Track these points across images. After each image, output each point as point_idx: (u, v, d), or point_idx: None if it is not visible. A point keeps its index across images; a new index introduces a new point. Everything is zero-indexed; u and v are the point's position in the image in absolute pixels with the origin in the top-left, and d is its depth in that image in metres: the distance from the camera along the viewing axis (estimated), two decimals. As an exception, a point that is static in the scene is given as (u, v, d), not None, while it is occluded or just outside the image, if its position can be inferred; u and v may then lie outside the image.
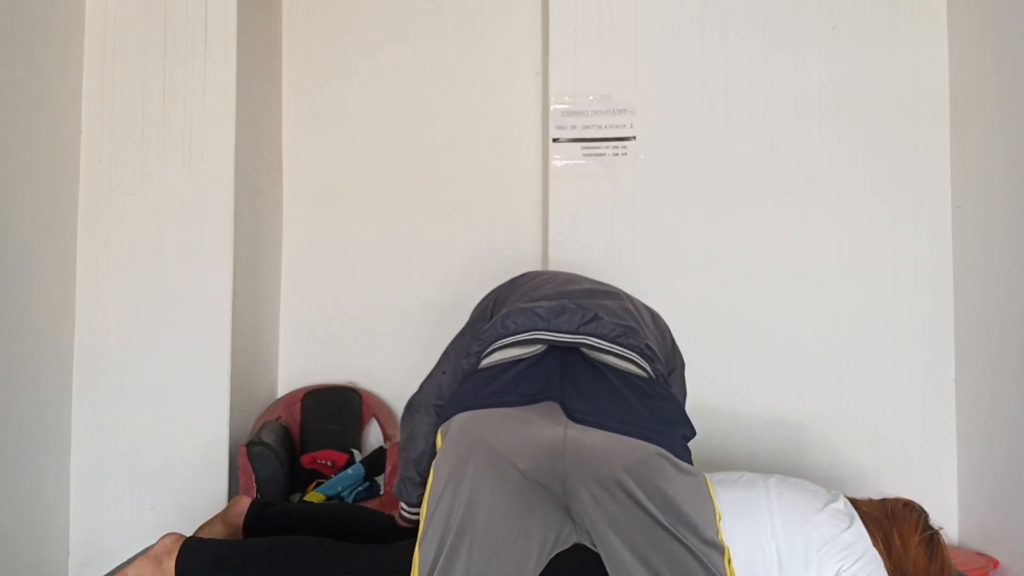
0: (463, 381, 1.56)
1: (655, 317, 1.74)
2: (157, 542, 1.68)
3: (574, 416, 1.38)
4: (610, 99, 2.89)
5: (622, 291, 1.76)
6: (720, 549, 1.41)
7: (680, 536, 1.36)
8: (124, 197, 2.71)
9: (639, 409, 1.41)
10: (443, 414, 1.52)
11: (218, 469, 2.68)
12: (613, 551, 1.38)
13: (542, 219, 3.09)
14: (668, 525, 1.36)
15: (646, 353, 1.50)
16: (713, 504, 1.46)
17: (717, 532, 1.42)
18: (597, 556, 1.42)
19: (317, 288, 3.22)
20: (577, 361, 1.46)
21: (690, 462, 1.44)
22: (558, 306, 1.52)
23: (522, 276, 1.86)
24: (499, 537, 1.37)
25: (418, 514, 1.51)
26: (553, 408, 1.39)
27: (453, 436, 1.44)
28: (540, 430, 1.38)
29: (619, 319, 1.54)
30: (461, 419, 1.44)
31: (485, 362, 1.51)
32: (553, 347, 1.48)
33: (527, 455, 1.38)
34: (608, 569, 1.40)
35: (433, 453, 1.52)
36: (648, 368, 1.49)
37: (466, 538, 1.36)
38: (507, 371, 1.46)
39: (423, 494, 1.50)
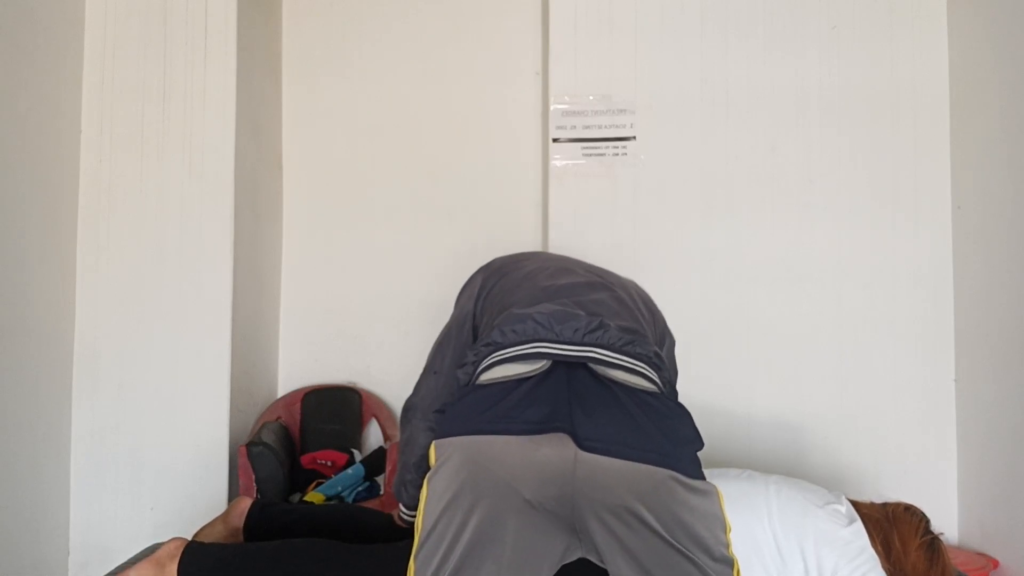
0: (461, 396, 1.48)
1: (646, 301, 1.71)
2: (161, 545, 1.68)
3: (584, 444, 1.33)
4: (610, 99, 2.89)
5: (613, 277, 1.73)
6: (730, 562, 1.38)
7: (693, 557, 1.33)
8: (124, 197, 2.71)
9: (651, 431, 1.37)
10: (439, 428, 1.47)
11: (218, 469, 2.68)
12: (624, 574, 1.35)
13: (542, 219, 3.09)
14: (681, 547, 1.32)
15: (654, 362, 1.46)
16: (724, 518, 1.42)
17: (727, 546, 1.39)
18: (602, 570, 1.39)
19: (317, 288, 3.22)
20: (584, 379, 1.40)
21: (701, 477, 1.41)
22: (560, 312, 1.46)
23: (508, 262, 1.80)
24: (510, 565, 1.32)
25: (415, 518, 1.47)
26: (562, 436, 1.34)
27: (452, 459, 1.38)
28: (548, 458, 1.33)
29: (622, 320, 1.50)
30: (463, 443, 1.38)
31: (484, 377, 1.43)
32: (558, 362, 1.42)
33: (534, 484, 1.33)
34: None
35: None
36: (657, 379, 1.44)
37: (469, 566, 1.32)
38: (511, 392, 1.39)
39: None
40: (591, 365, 1.42)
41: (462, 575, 1.32)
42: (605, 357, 1.42)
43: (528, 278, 1.68)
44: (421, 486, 1.44)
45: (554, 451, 1.34)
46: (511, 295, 1.64)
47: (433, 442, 1.44)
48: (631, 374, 1.42)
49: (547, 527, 1.37)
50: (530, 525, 1.35)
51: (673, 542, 1.32)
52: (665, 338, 1.72)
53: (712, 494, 1.41)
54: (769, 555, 1.59)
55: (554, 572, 1.38)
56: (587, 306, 1.52)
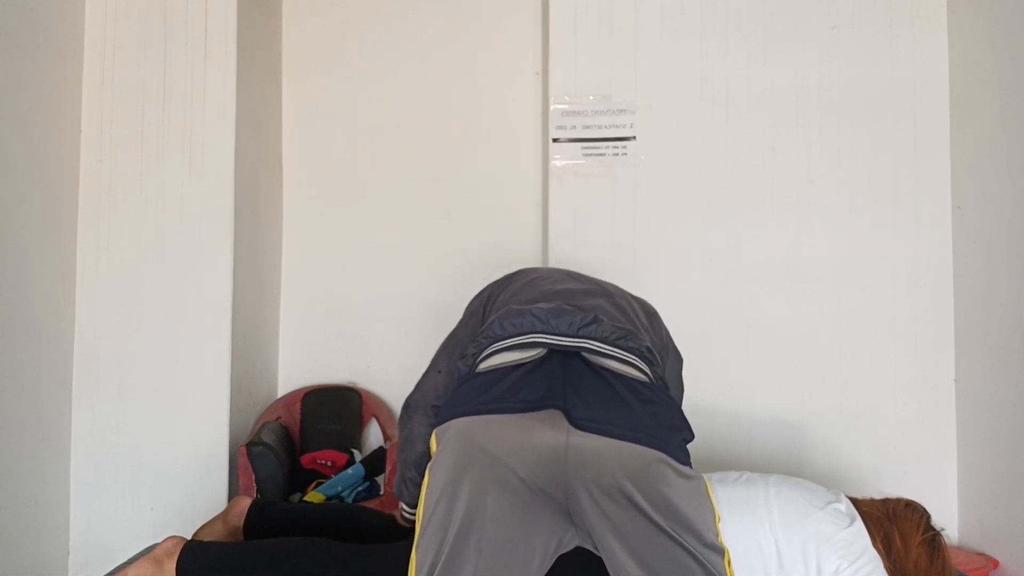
0: (460, 385, 1.53)
1: (650, 314, 1.73)
2: (158, 544, 1.68)
3: (577, 423, 1.37)
4: (610, 99, 2.89)
5: (617, 289, 1.75)
6: (720, 551, 1.40)
7: (682, 540, 1.35)
8: (124, 197, 2.71)
9: (641, 415, 1.40)
10: (439, 416, 1.51)
11: (218, 469, 2.68)
12: (615, 556, 1.37)
13: (542, 219, 3.09)
14: (669, 530, 1.35)
15: (646, 356, 1.50)
16: (712, 506, 1.46)
17: (717, 534, 1.42)
18: (599, 559, 1.41)
19: (317, 288, 3.22)
20: (578, 365, 1.45)
21: (689, 465, 1.44)
22: (556, 308, 1.51)
23: (517, 273, 1.84)
24: (501, 544, 1.35)
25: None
26: (555, 415, 1.38)
27: (451, 442, 1.42)
28: (542, 437, 1.37)
29: (617, 321, 1.53)
30: (459, 424, 1.43)
31: (483, 365, 1.49)
32: (553, 351, 1.47)
33: (528, 462, 1.37)
34: (611, 573, 1.40)
35: (431, 453, 1.50)
36: (648, 371, 1.49)
37: (468, 545, 1.34)
38: (507, 376, 1.44)
39: None
40: (585, 354, 1.47)
41: (460, 553, 1.34)
42: (598, 348, 1.47)
43: (531, 284, 1.72)
44: (421, 484, 1.46)
45: (548, 429, 1.38)
46: (514, 297, 1.67)
47: (434, 430, 1.48)
48: (623, 364, 1.47)
49: (542, 507, 1.39)
50: (524, 504, 1.37)
51: (662, 524, 1.35)
52: (668, 350, 1.74)
53: (700, 481, 1.45)
54: (771, 558, 1.58)
55: (549, 558, 1.40)
56: (584, 307, 1.55)
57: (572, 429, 1.37)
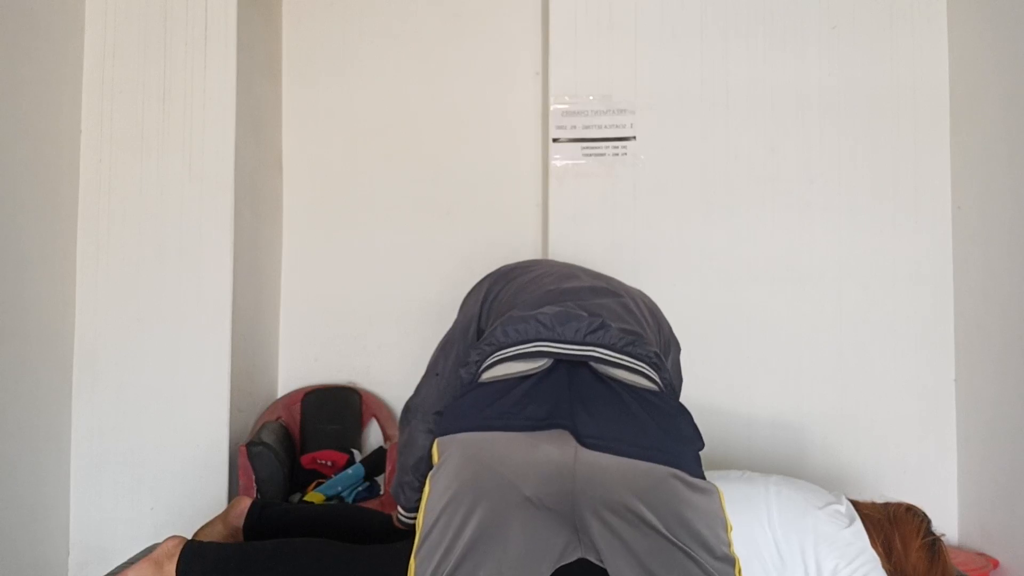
0: (463, 394, 1.49)
1: (652, 309, 1.71)
2: (158, 544, 1.68)
3: (585, 441, 1.33)
4: (610, 99, 2.89)
5: (620, 285, 1.73)
6: (731, 561, 1.37)
7: (694, 555, 1.32)
8: (124, 197, 2.71)
9: (652, 429, 1.37)
10: (441, 426, 1.47)
11: (218, 469, 2.68)
12: (622, 573, 1.34)
13: (542, 219, 3.09)
14: (682, 545, 1.32)
15: (654, 362, 1.46)
16: (725, 517, 1.42)
17: (729, 545, 1.39)
18: (603, 570, 1.38)
19: (317, 288, 3.22)
20: (586, 377, 1.41)
21: (702, 476, 1.41)
22: (562, 313, 1.47)
23: (515, 268, 1.81)
24: (505, 562, 1.32)
25: (415, 519, 1.46)
26: (563, 433, 1.35)
27: (455, 456, 1.39)
28: (548, 455, 1.34)
29: (624, 324, 1.51)
30: (464, 439, 1.39)
31: (487, 375, 1.45)
32: (559, 361, 1.43)
33: (534, 481, 1.33)
34: None
35: (431, 460, 1.47)
36: (658, 379, 1.45)
37: (471, 562, 1.31)
38: (512, 389, 1.40)
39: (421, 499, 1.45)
40: (593, 364, 1.42)
41: (461, 572, 1.32)
42: (606, 356, 1.42)
43: (533, 283, 1.68)
44: (419, 488, 1.45)
45: (555, 448, 1.34)
46: (516, 298, 1.64)
47: (436, 440, 1.45)
48: (632, 373, 1.43)
49: (548, 524, 1.36)
50: (531, 523, 1.34)
51: (674, 540, 1.32)
52: (671, 346, 1.72)
53: (713, 493, 1.41)
54: (769, 557, 1.59)
55: (552, 571, 1.38)
56: (590, 309, 1.52)
57: (580, 447, 1.34)
